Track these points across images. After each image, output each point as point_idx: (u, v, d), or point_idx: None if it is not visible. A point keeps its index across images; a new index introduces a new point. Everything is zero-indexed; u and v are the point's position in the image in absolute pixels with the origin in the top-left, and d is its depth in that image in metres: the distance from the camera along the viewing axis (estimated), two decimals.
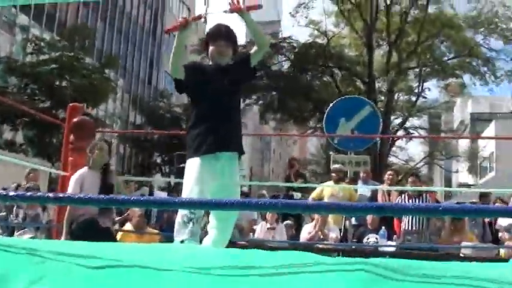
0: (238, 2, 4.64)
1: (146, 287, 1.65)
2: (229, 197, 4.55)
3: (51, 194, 2.07)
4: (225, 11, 4.71)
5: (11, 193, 2.52)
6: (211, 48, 4.77)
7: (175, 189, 15.71)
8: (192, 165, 4.52)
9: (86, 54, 30.21)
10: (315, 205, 2.68)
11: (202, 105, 4.66)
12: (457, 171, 46.89)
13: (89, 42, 34.49)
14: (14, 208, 10.68)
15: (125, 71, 45.12)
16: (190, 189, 4.47)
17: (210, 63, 4.83)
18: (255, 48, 4.84)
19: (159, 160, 39.89)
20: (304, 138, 63.44)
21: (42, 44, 28.87)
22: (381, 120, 13.93)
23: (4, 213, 10.80)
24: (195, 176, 4.45)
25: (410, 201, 9.64)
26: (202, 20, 4.98)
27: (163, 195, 18.56)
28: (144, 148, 40.28)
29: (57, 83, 27.46)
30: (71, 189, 6.44)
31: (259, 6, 5.10)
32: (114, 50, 42.46)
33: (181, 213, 4.38)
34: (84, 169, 6.63)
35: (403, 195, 9.94)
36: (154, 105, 42.85)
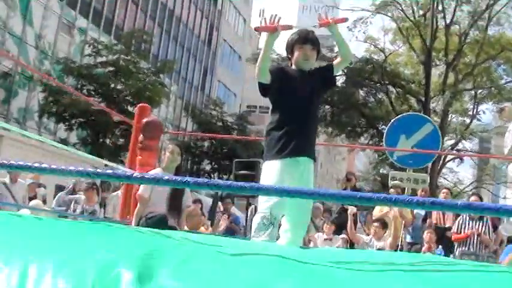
0: (326, 17, 4.81)
1: (290, 276, 1.66)
2: (306, 202, 4.59)
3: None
4: (315, 26, 4.86)
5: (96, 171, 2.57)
6: (297, 52, 4.79)
7: (224, 198, 15.42)
8: (272, 168, 4.54)
9: (141, 58, 30.51)
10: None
11: (285, 110, 4.68)
12: (505, 198, 46.07)
13: (145, 46, 34.86)
14: (72, 203, 10.88)
15: (178, 77, 45.44)
16: None
17: (294, 67, 4.85)
18: (338, 59, 4.92)
19: (208, 167, 39.99)
20: (353, 154, 63.12)
21: (99, 46, 29.23)
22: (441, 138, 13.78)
23: (64, 208, 10.98)
24: (275, 179, 4.44)
25: (471, 222, 9.51)
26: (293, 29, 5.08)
27: (209, 200, 18.25)
28: (195, 155, 40.37)
29: (113, 85, 27.77)
30: (142, 188, 6.47)
31: (346, 19, 5.41)
32: (169, 56, 42.68)
33: (261, 215, 4.40)
34: (158, 170, 6.63)
35: (464, 215, 9.72)
36: (206, 113, 42.99)
